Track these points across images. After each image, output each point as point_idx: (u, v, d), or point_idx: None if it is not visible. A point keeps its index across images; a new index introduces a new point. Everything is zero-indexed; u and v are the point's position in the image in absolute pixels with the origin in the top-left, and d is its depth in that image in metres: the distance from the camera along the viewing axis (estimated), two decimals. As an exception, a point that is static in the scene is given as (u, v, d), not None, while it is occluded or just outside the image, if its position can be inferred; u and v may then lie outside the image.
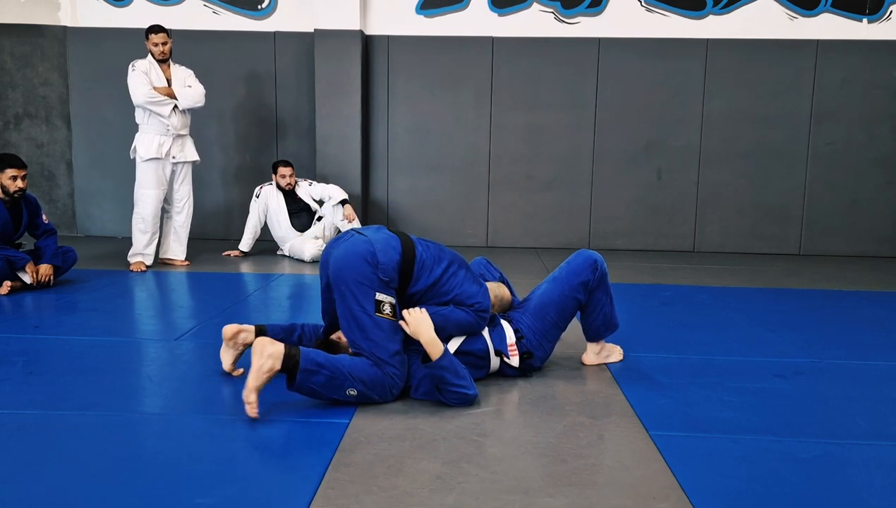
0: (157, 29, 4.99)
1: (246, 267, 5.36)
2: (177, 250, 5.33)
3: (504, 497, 1.79)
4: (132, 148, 5.09)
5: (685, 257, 6.27)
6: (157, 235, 5.18)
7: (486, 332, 2.64)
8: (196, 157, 5.29)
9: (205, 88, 5.15)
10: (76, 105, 6.67)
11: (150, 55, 5.01)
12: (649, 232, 6.64)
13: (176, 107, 5.02)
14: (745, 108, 6.43)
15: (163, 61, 5.02)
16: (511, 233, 6.71)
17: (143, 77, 4.91)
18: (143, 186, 5.07)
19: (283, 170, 5.73)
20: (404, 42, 6.52)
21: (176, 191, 5.24)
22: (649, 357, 3.06)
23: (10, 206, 4.27)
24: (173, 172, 5.18)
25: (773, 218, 6.56)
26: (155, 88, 4.93)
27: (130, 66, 4.95)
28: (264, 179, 6.07)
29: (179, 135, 5.12)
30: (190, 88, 5.08)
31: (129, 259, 5.10)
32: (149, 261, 5.12)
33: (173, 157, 5.11)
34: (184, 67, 5.17)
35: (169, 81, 5.04)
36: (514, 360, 2.66)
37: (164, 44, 4.98)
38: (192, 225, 5.40)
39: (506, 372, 2.70)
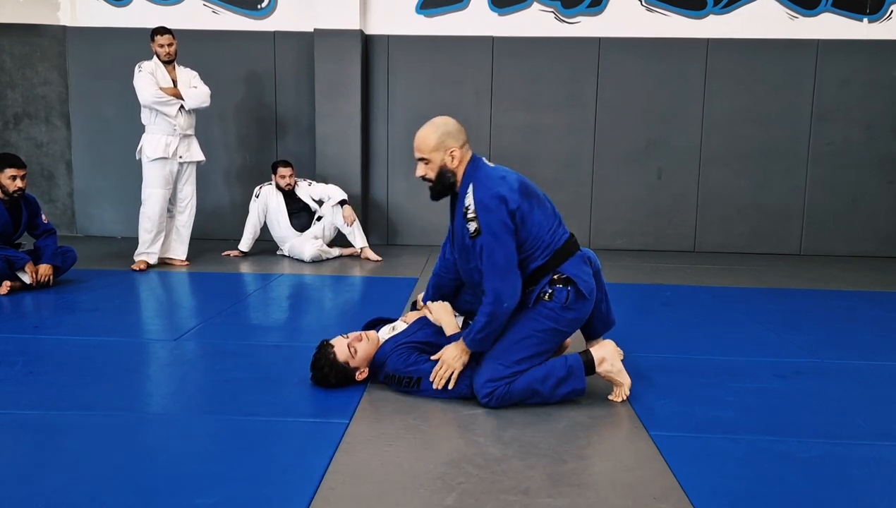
0: (162, 31, 5.03)
1: (246, 267, 5.36)
2: (178, 250, 5.35)
3: (504, 497, 1.79)
4: (139, 148, 5.13)
5: (685, 257, 6.27)
6: (163, 234, 5.20)
7: None
8: (202, 157, 5.35)
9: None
10: (76, 105, 6.66)
11: (155, 56, 5.05)
12: (649, 232, 6.64)
13: (182, 107, 5.06)
14: (745, 108, 6.43)
15: (168, 63, 5.06)
16: (511, 233, 6.69)
17: (149, 77, 4.96)
18: (150, 186, 5.10)
19: (282, 171, 5.73)
20: (404, 42, 6.51)
21: (180, 190, 5.28)
22: (649, 357, 3.06)
23: (10, 206, 4.27)
24: (178, 172, 5.21)
25: (773, 218, 6.56)
26: (161, 89, 4.97)
27: (137, 67, 5.00)
28: (264, 179, 6.06)
29: (185, 135, 5.17)
30: (195, 89, 5.14)
31: (134, 257, 5.13)
32: (152, 260, 5.13)
33: (180, 157, 5.16)
34: (188, 69, 5.22)
35: (174, 82, 5.08)
36: None
37: (169, 45, 5.02)
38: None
39: None
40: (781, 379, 2.81)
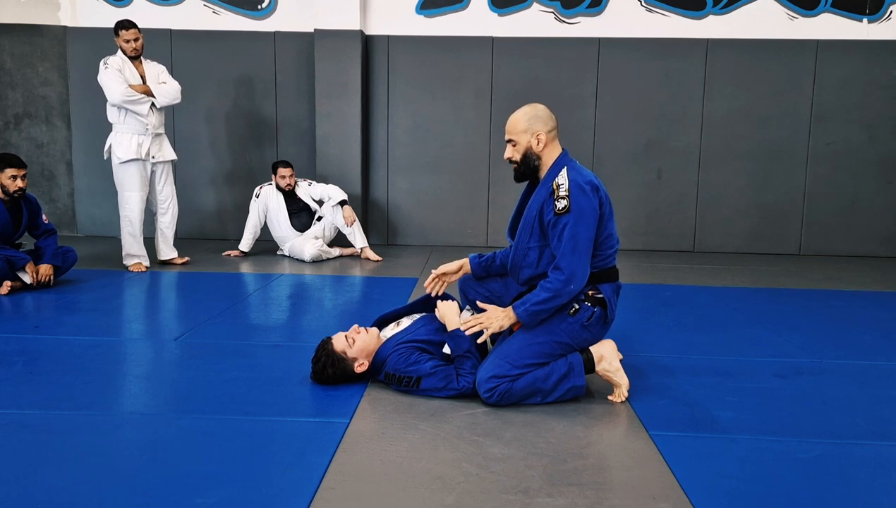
0: (128, 24, 4.83)
1: (246, 267, 5.36)
2: (165, 251, 5.26)
3: (504, 497, 1.79)
4: (106, 148, 4.95)
5: (685, 257, 6.27)
6: (141, 236, 5.06)
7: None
8: (174, 156, 5.20)
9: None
10: (76, 105, 6.66)
11: (120, 51, 4.86)
12: (649, 232, 6.64)
13: (153, 105, 4.91)
14: (745, 108, 6.43)
15: (135, 58, 4.89)
16: (511, 233, 6.70)
17: (118, 75, 4.76)
18: (126, 189, 4.96)
19: (282, 171, 5.73)
20: (404, 42, 6.52)
21: (159, 192, 5.14)
22: (649, 357, 3.06)
23: (10, 206, 4.27)
24: (153, 173, 5.07)
25: (773, 218, 6.56)
26: (131, 86, 4.80)
27: (102, 62, 4.80)
28: (264, 179, 6.06)
29: (157, 134, 5.00)
30: (165, 85, 4.96)
31: (124, 262, 5.06)
32: (146, 262, 5.10)
33: (153, 157, 4.99)
34: (155, 62, 5.06)
35: (143, 78, 4.90)
36: None
37: (136, 40, 4.83)
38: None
39: None
40: (781, 379, 2.81)
